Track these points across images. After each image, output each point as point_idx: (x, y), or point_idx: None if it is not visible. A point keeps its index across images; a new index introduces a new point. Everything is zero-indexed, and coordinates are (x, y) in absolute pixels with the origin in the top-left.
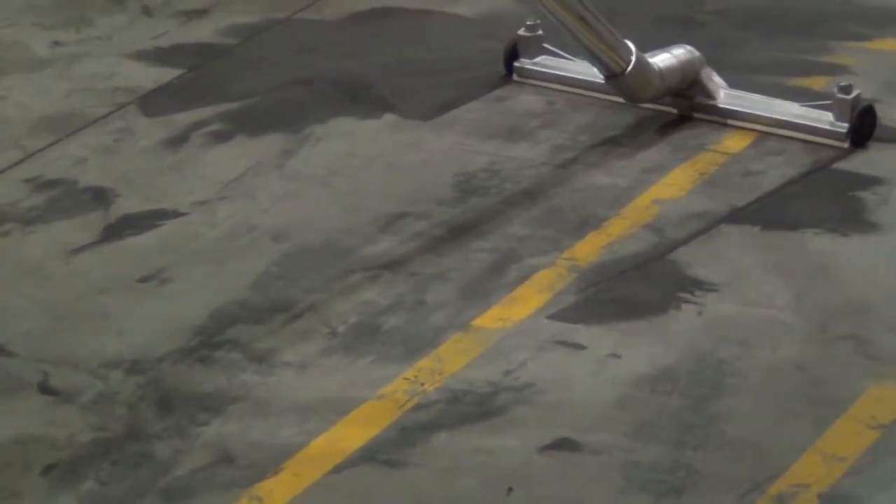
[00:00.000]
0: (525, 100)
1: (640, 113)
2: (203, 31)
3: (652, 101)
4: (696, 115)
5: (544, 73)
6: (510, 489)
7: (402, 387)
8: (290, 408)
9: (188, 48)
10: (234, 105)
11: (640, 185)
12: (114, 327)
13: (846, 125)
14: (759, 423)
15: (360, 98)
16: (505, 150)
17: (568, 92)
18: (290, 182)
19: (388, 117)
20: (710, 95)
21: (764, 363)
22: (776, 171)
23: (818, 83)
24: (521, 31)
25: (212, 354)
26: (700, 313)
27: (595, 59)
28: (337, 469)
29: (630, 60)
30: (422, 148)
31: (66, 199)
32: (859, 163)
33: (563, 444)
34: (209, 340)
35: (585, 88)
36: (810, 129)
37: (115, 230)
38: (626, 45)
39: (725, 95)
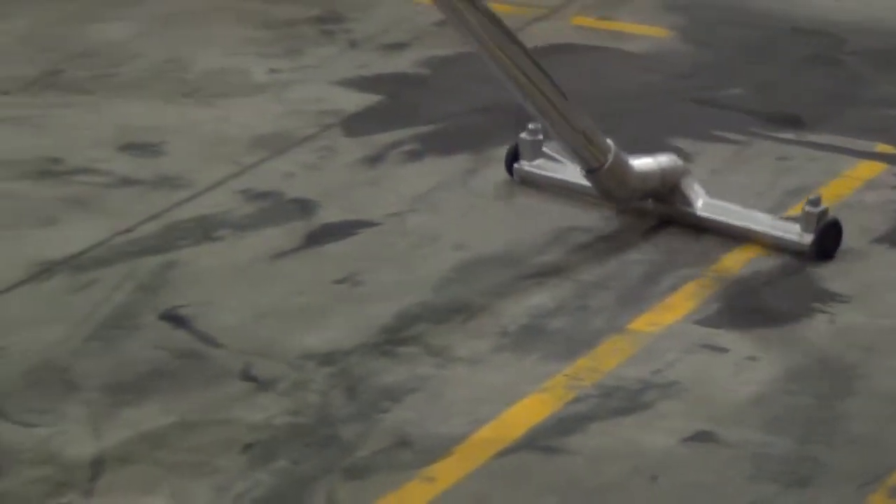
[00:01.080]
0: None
1: None
2: (401, 63)
3: (629, 201)
4: (673, 221)
5: (542, 175)
6: (655, 476)
7: (562, 382)
8: (461, 398)
9: (387, 77)
10: (426, 128)
11: (781, 207)
12: (310, 324)
13: (811, 237)
14: (881, 422)
15: None
16: None
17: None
18: (472, 198)
19: None
20: (688, 203)
21: (887, 368)
22: None
23: None
24: (523, 135)
25: (395, 349)
26: (831, 322)
27: (573, 153)
28: (501, 454)
29: (608, 157)
30: None
31: (274, 208)
32: None
33: (703, 437)
34: (393, 337)
35: (580, 192)
36: (778, 241)
37: (316, 237)
38: (605, 141)
39: (704, 204)
